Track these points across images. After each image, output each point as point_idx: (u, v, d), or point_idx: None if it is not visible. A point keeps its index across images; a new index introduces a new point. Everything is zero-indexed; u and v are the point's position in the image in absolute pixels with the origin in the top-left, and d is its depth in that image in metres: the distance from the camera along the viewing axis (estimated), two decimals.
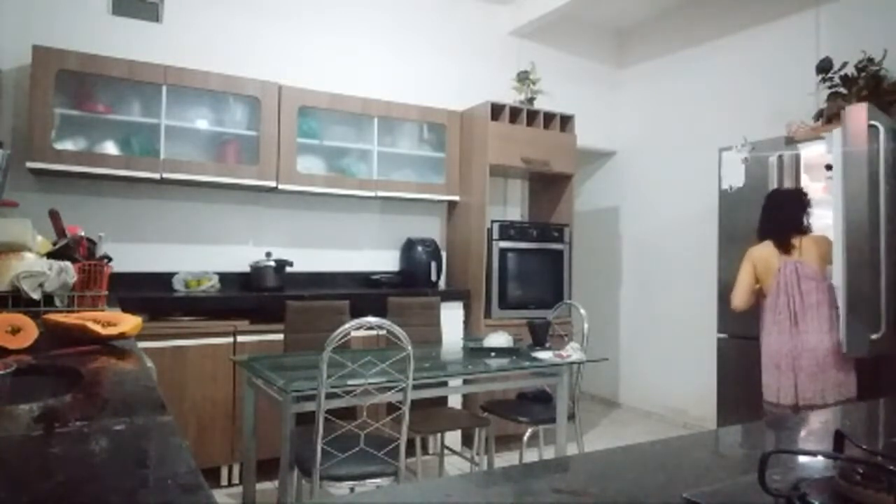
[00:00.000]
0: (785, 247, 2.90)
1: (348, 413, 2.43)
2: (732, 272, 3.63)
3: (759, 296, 3.00)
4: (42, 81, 3.09)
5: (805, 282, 2.83)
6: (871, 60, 3.35)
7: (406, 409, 2.28)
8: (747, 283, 2.96)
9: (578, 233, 4.80)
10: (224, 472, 3.30)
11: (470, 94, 4.51)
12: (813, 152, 3.36)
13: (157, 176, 3.37)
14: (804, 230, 2.94)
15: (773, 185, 3.41)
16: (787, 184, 3.38)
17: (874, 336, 2.80)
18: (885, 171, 2.90)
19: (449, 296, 4.03)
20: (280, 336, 3.12)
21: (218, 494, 3.16)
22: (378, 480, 2.23)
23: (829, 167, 3.13)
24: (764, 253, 2.94)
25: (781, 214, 2.98)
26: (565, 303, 3.81)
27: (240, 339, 3.31)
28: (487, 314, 4.11)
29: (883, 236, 2.88)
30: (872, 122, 2.84)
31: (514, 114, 4.32)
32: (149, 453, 0.85)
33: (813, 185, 3.42)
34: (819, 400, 2.74)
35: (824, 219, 3.36)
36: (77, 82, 3.30)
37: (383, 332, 2.29)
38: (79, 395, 1.14)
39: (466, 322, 4.13)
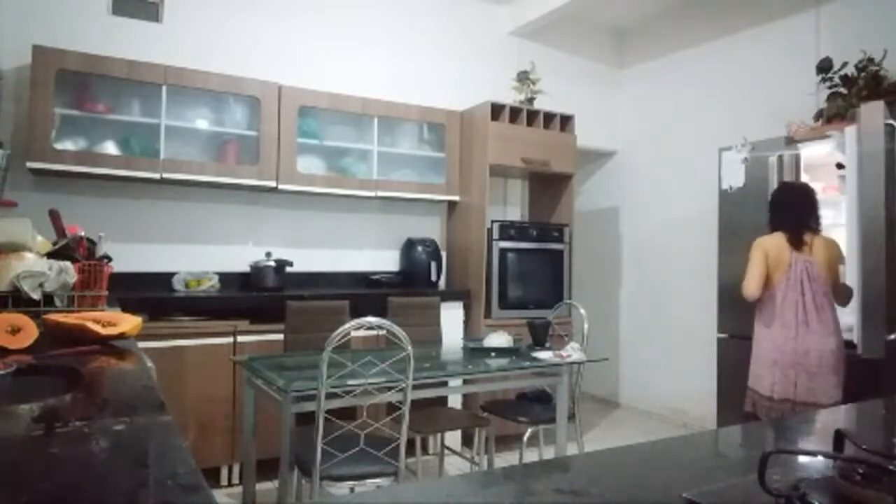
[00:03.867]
0: (798, 242, 2.86)
1: (348, 413, 2.43)
2: (732, 272, 3.64)
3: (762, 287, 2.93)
4: (42, 81, 3.09)
5: (814, 282, 2.81)
6: (871, 60, 3.35)
7: (406, 409, 2.28)
8: (761, 272, 2.87)
9: (578, 233, 4.80)
10: (224, 472, 3.30)
11: (470, 94, 4.51)
12: (813, 152, 3.36)
13: (157, 176, 3.37)
14: (816, 229, 2.91)
15: (773, 185, 3.40)
16: None
17: (890, 337, 2.79)
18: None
19: (449, 296, 4.03)
20: (280, 336, 3.12)
21: (218, 494, 3.16)
22: (378, 480, 2.23)
23: (839, 166, 3.12)
24: (776, 244, 2.88)
25: (796, 209, 2.93)
26: (565, 303, 3.81)
27: (240, 339, 3.31)
28: (487, 314, 4.11)
29: None
30: (889, 122, 2.83)
31: (514, 114, 4.31)
32: (149, 453, 0.85)
33: (812, 186, 3.42)
34: (812, 399, 2.74)
35: (825, 219, 3.37)
36: (77, 82, 3.30)
37: (383, 332, 2.29)
38: (79, 395, 1.14)
39: (466, 322, 4.13)
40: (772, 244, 2.88)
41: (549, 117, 4.44)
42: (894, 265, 2.84)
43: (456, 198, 4.38)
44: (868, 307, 2.79)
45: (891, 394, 1.45)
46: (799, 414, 1.26)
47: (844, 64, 3.42)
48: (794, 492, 0.74)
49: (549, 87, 4.61)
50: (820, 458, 0.93)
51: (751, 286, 2.88)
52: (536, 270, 4.33)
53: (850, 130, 2.89)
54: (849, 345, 2.93)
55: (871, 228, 2.80)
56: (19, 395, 1.16)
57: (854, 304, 2.88)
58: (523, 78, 4.53)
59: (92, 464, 0.79)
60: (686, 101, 4.86)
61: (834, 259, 2.89)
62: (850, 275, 2.87)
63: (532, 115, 4.40)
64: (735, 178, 3.65)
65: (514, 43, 4.97)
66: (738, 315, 3.61)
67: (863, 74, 3.34)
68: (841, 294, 2.90)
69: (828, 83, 3.49)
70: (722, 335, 3.74)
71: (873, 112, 2.83)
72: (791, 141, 3.42)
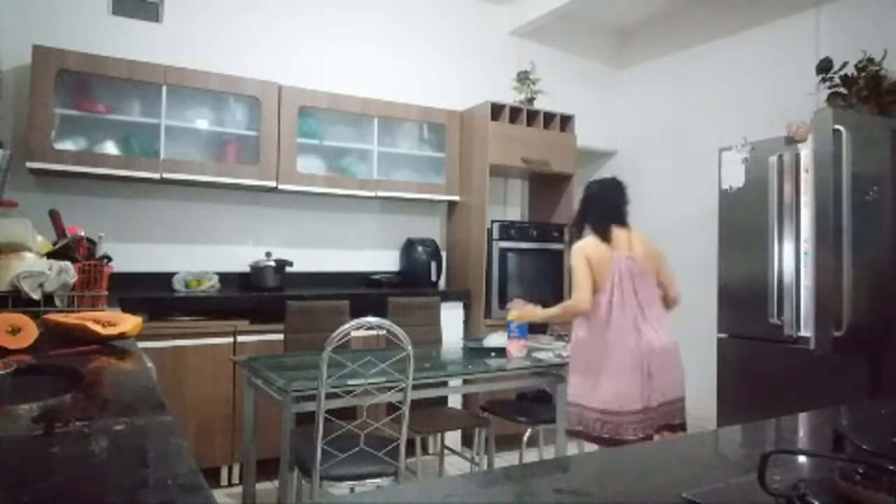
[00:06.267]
0: (607, 238, 2.68)
1: (348, 413, 2.43)
2: (733, 272, 3.64)
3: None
4: (42, 81, 3.09)
5: (639, 278, 2.65)
6: (871, 60, 3.35)
7: (406, 409, 2.28)
8: (590, 280, 2.62)
9: None
10: (224, 472, 3.30)
11: (470, 94, 4.51)
12: None
13: (157, 176, 3.37)
14: (625, 223, 2.76)
15: (774, 185, 3.40)
16: (787, 184, 3.37)
17: (836, 334, 2.89)
18: (853, 173, 2.94)
19: (449, 296, 4.03)
20: (280, 336, 3.12)
21: (218, 494, 3.15)
22: (378, 480, 2.23)
23: (805, 170, 3.19)
24: (595, 247, 2.66)
25: (600, 205, 2.78)
26: None
27: (240, 339, 3.31)
28: (487, 314, 4.10)
29: (846, 238, 2.93)
30: (836, 127, 2.90)
31: (514, 114, 4.31)
32: (149, 453, 0.85)
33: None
34: (661, 399, 2.57)
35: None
36: (77, 82, 3.30)
37: (383, 332, 2.29)
38: (79, 395, 1.14)
39: (466, 322, 4.13)
40: (591, 249, 2.67)
41: (549, 117, 4.44)
42: (841, 267, 2.94)
43: (456, 198, 4.38)
44: (821, 306, 2.86)
45: (888, 394, 1.46)
46: (798, 414, 1.25)
47: (844, 64, 3.42)
48: (793, 492, 0.74)
49: (549, 87, 4.61)
50: (820, 458, 0.93)
51: (585, 296, 2.61)
52: (536, 270, 4.33)
53: (810, 136, 2.96)
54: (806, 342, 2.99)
55: (823, 230, 2.88)
56: (19, 395, 1.16)
57: (809, 302, 2.94)
58: (523, 78, 4.52)
59: (92, 464, 0.79)
60: (686, 101, 4.85)
61: (655, 254, 2.76)
62: (806, 275, 2.91)
63: (532, 115, 4.40)
64: (735, 178, 3.64)
65: (514, 43, 4.97)
66: (738, 315, 3.62)
67: (863, 74, 3.34)
68: (670, 300, 2.76)
69: (828, 83, 3.48)
70: (722, 335, 3.74)
71: (824, 118, 2.92)
72: (791, 141, 3.42)
